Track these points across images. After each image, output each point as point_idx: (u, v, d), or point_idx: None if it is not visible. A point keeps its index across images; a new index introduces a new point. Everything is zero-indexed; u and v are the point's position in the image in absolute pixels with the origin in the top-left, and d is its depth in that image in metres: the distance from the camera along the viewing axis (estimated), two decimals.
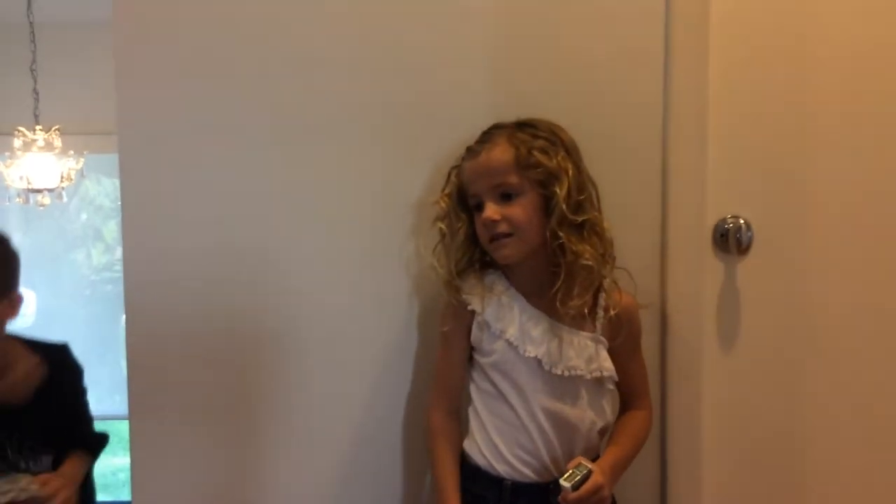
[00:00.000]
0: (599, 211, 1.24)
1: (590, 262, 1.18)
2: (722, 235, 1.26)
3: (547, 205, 1.19)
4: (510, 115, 1.25)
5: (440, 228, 1.28)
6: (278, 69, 1.34)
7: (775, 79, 1.28)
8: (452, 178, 1.28)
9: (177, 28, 1.34)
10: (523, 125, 1.23)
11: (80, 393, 1.55)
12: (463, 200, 1.26)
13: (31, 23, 3.36)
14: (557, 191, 1.17)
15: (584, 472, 1.13)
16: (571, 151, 1.22)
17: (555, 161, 1.18)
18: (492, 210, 1.20)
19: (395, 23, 1.35)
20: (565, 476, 1.13)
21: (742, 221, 1.25)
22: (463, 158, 1.26)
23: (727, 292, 1.29)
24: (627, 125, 1.35)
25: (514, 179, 1.19)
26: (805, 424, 1.32)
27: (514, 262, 1.23)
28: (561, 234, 1.17)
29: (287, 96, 1.35)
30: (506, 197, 1.20)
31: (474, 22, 1.35)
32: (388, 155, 1.36)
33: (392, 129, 1.36)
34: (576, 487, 1.12)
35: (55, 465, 1.47)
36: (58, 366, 1.48)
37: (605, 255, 1.21)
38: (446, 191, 1.28)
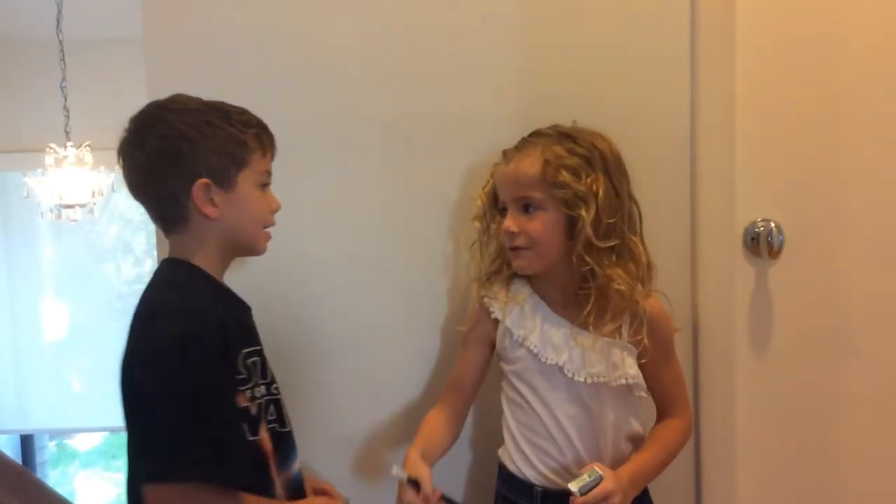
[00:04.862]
0: (638, 233, 1.21)
1: (622, 287, 1.15)
2: (753, 239, 1.26)
3: (571, 225, 1.16)
4: (539, 123, 1.25)
5: (476, 226, 1.29)
6: (310, 80, 1.37)
7: (803, 80, 1.27)
8: (491, 177, 1.27)
9: (207, 43, 1.36)
10: (565, 136, 1.20)
11: None
12: (497, 200, 1.26)
13: (60, 40, 3.40)
14: (584, 214, 1.14)
15: (595, 477, 1.11)
16: (611, 169, 1.18)
17: (584, 183, 1.14)
18: (511, 221, 1.19)
19: (428, 36, 1.37)
20: (574, 480, 1.12)
21: (773, 224, 1.24)
22: (499, 161, 1.25)
23: (759, 296, 1.28)
24: (655, 130, 1.35)
25: (537, 194, 1.17)
26: (839, 428, 1.30)
27: (531, 274, 1.23)
28: (588, 259, 1.15)
29: (318, 108, 1.37)
30: (528, 209, 1.18)
31: (503, 33, 1.36)
32: (420, 163, 1.38)
33: (424, 138, 1.37)
34: (585, 492, 1.10)
35: None
36: None
37: (643, 279, 1.19)
38: (486, 189, 1.28)
